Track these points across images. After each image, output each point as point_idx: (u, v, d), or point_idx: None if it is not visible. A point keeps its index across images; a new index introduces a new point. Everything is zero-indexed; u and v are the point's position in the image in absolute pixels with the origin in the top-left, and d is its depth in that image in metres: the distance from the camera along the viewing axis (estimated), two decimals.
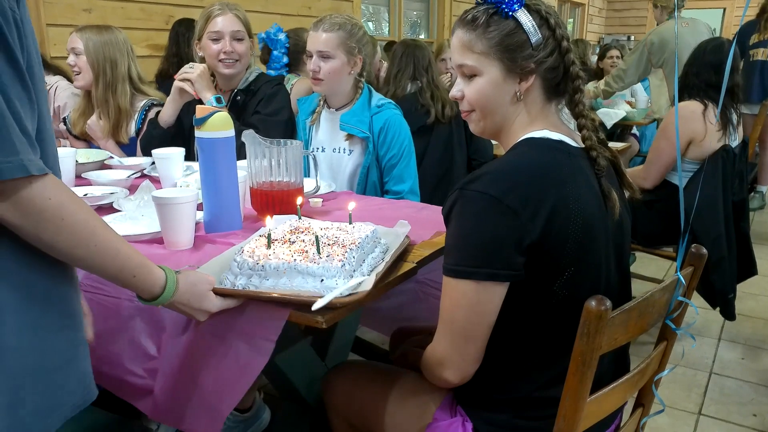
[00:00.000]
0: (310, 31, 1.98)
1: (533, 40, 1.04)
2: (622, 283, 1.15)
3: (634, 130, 4.92)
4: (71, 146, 2.44)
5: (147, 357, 1.16)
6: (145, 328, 1.16)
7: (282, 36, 3.09)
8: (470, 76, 1.10)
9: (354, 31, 1.98)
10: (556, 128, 1.10)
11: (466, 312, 1.01)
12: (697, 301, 2.53)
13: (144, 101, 2.38)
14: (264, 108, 2.11)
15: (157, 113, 2.22)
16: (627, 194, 1.18)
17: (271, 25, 3.15)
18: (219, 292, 1.04)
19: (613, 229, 1.09)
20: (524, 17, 1.04)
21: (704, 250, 1.15)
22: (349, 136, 2.04)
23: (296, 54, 3.10)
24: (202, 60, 2.15)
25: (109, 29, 2.34)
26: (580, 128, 1.11)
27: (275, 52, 3.08)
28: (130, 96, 2.35)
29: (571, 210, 1.00)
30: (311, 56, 1.97)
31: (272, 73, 3.09)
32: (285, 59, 3.09)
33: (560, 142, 1.08)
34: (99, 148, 2.36)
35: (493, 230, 0.97)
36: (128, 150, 2.37)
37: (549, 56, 1.06)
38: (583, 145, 1.10)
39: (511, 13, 1.04)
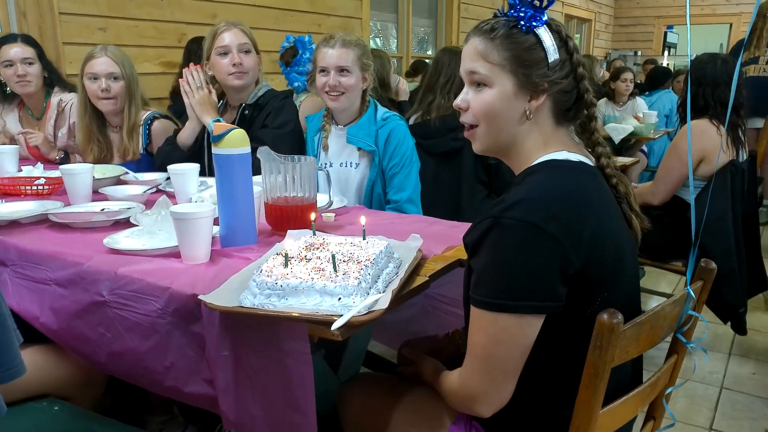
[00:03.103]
0: (323, 48, 2.03)
1: (551, 59, 1.04)
2: (637, 299, 1.16)
3: (643, 146, 4.94)
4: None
5: (200, 368, 1.18)
6: (187, 341, 1.18)
7: (314, 46, 3.17)
8: (479, 85, 1.07)
9: (365, 49, 2.05)
10: (573, 149, 1.09)
11: (506, 347, 0.97)
12: (707, 315, 2.53)
13: (145, 114, 2.41)
14: (272, 121, 2.15)
15: (174, 131, 2.26)
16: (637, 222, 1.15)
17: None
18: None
19: (634, 251, 1.10)
20: (545, 35, 1.04)
21: (713, 264, 1.16)
22: (357, 149, 2.08)
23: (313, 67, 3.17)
24: (213, 79, 2.20)
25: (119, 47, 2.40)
26: (597, 157, 1.11)
27: (304, 56, 3.14)
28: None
29: (606, 234, 0.99)
30: (327, 72, 2.01)
31: (295, 76, 3.15)
32: (310, 66, 3.16)
33: (580, 162, 1.07)
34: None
35: (537, 260, 0.94)
36: (134, 167, 2.39)
37: (564, 78, 1.06)
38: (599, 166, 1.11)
39: (532, 29, 1.04)
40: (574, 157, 1.07)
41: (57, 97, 2.73)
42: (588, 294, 0.99)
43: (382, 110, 2.13)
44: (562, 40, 1.06)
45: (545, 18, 1.05)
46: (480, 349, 1.00)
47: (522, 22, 1.04)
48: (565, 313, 0.98)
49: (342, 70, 2.00)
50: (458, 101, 1.11)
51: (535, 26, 1.04)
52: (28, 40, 2.65)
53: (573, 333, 1.01)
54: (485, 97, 1.07)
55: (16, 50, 2.58)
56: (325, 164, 2.14)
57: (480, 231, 0.98)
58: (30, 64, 2.61)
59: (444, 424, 1.17)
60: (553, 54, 1.04)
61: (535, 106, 1.06)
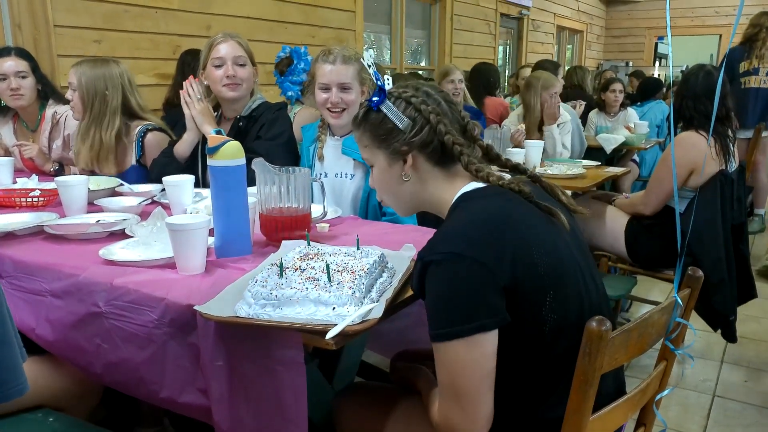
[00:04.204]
0: (322, 64, 2.03)
1: (401, 124, 1.17)
2: (599, 285, 1.18)
3: (635, 156, 4.98)
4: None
5: (194, 378, 1.19)
6: (183, 352, 1.19)
7: (309, 57, 3.20)
8: (371, 167, 1.26)
9: (363, 63, 2.05)
10: (476, 177, 1.18)
11: (467, 372, 1.02)
12: (699, 323, 2.55)
13: (138, 127, 2.40)
14: (266, 133, 2.17)
15: (171, 143, 2.27)
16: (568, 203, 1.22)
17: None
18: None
19: (570, 240, 1.14)
20: (387, 108, 1.18)
21: (700, 273, 1.18)
22: (352, 161, 2.09)
23: (310, 78, 3.20)
24: (208, 89, 2.22)
25: (106, 63, 2.37)
26: (485, 180, 1.17)
27: (299, 67, 3.17)
28: (119, 128, 2.35)
29: (529, 239, 1.05)
30: (329, 89, 2.03)
31: (289, 85, 3.18)
32: (304, 77, 3.18)
33: (488, 186, 1.17)
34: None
35: (467, 284, 1.00)
36: (127, 178, 2.39)
37: (418, 134, 1.17)
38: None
39: (376, 107, 1.18)
40: (482, 183, 1.18)
41: (51, 109, 2.74)
42: (533, 298, 1.04)
43: None
44: (408, 103, 1.18)
45: (383, 94, 1.18)
46: (445, 382, 1.05)
47: (369, 105, 1.20)
48: (521, 320, 1.03)
49: (343, 87, 2.02)
50: (370, 183, 1.30)
51: (377, 103, 1.18)
52: (22, 54, 2.66)
53: (537, 335, 1.05)
54: (375, 175, 1.26)
55: (10, 64, 2.59)
56: (320, 174, 2.15)
57: (417, 275, 1.07)
58: (23, 77, 2.62)
59: None
60: (399, 120, 1.17)
61: (408, 167, 1.19)
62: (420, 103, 1.17)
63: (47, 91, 2.75)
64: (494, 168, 1.23)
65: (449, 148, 1.17)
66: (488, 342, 1.01)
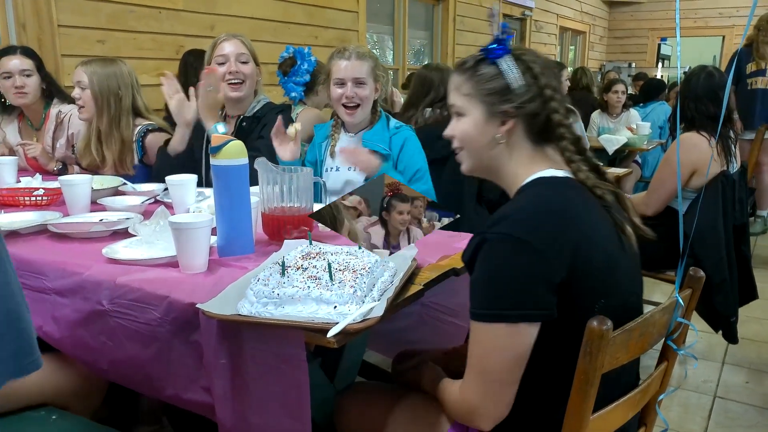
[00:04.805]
0: (338, 60, 2.06)
1: (513, 86, 1.10)
2: (641, 308, 1.18)
3: (637, 157, 4.99)
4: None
5: (198, 375, 1.20)
6: (186, 349, 1.20)
7: (313, 58, 3.21)
8: (458, 114, 1.18)
9: (377, 61, 2.12)
10: (559, 166, 1.14)
11: (500, 357, 1.01)
12: (700, 324, 2.55)
13: (138, 128, 2.42)
14: (268, 133, 2.17)
15: (166, 142, 2.28)
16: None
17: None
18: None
19: (631, 259, 1.12)
20: (506, 64, 1.11)
21: (702, 273, 1.18)
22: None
23: (313, 79, 3.21)
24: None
25: (114, 62, 2.40)
26: (574, 173, 1.13)
27: (302, 67, 3.18)
28: (133, 128, 2.41)
29: (593, 243, 1.03)
30: (344, 84, 2.05)
31: (293, 86, 3.19)
32: (307, 77, 3.19)
33: (566, 177, 1.12)
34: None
35: (522, 271, 0.99)
36: (130, 177, 2.40)
37: (529, 102, 1.11)
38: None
39: (494, 60, 1.12)
40: (561, 173, 1.13)
41: (56, 108, 2.75)
42: (583, 301, 1.02)
43: (393, 120, 2.20)
44: (527, 66, 1.12)
45: (505, 48, 1.12)
46: (476, 361, 1.04)
47: (486, 55, 1.13)
48: (565, 321, 1.01)
49: (358, 82, 2.05)
50: (447, 131, 1.21)
51: (497, 56, 1.12)
52: (27, 52, 2.67)
53: (575, 341, 1.02)
54: (462, 125, 1.17)
55: (15, 62, 2.61)
56: (332, 168, 2.18)
57: (471, 248, 1.05)
58: (28, 75, 2.64)
59: (442, 429, 1.19)
60: (515, 81, 1.11)
61: (504, 130, 1.13)
62: (539, 72, 1.12)
63: (52, 90, 2.76)
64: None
65: (553, 126, 1.12)
66: (529, 333, 1.00)
